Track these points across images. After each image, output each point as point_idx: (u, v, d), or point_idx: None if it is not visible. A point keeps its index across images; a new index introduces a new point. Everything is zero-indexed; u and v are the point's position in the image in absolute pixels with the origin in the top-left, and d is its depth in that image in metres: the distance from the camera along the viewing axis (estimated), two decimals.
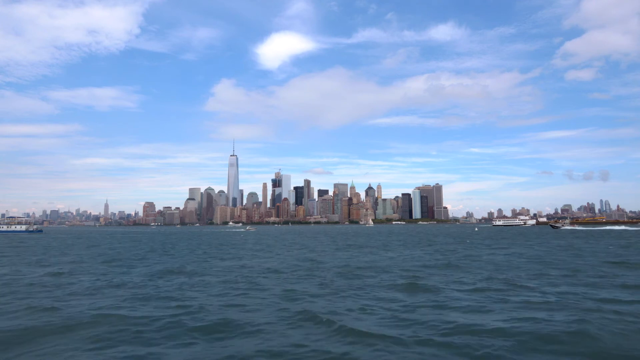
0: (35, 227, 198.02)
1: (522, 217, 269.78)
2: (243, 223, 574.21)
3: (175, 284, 24.42)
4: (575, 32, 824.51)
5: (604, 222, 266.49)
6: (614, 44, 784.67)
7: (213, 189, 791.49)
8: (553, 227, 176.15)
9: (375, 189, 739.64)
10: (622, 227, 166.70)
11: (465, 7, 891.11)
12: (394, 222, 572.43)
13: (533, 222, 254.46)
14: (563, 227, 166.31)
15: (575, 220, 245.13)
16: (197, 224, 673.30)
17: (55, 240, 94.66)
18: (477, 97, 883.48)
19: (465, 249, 54.83)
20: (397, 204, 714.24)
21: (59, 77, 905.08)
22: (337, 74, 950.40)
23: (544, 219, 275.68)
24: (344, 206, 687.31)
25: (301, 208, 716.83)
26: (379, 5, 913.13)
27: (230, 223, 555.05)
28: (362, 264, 35.11)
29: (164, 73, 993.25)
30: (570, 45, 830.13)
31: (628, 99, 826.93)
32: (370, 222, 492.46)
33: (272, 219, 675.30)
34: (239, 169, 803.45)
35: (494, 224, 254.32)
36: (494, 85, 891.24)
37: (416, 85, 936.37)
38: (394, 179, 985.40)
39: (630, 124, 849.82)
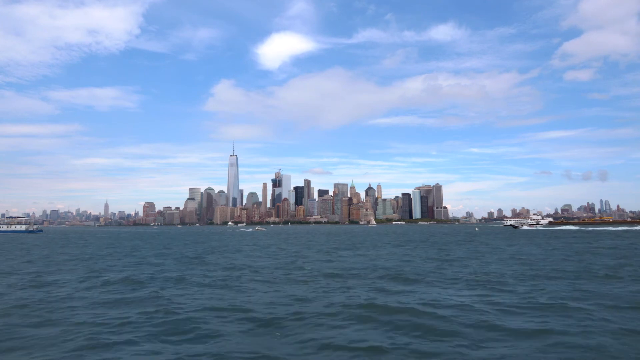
0: (35, 227, 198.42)
1: (534, 217, 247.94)
2: (247, 223, 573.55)
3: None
4: (574, 33, 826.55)
5: (611, 221, 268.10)
6: (612, 45, 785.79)
7: (213, 189, 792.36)
8: (514, 227, 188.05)
9: (375, 189, 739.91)
10: (571, 227, 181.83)
11: (465, 7, 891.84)
12: (394, 222, 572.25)
13: (546, 221, 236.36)
14: (522, 228, 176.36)
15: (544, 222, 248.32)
16: (197, 224, 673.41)
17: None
18: (476, 97, 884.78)
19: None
20: (397, 204, 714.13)
21: (59, 77, 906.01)
22: (337, 74, 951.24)
23: (551, 219, 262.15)
24: (344, 206, 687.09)
25: (301, 208, 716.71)
26: (378, 6, 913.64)
27: (230, 223, 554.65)
28: None
29: (164, 73, 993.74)
30: (569, 46, 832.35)
31: (627, 99, 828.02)
32: (373, 222, 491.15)
33: (272, 219, 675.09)
34: (239, 169, 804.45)
35: (505, 223, 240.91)
36: (493, 86, 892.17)
37: (415, 86, 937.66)
38: (394, 179, 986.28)
39: (629, 124, 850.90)
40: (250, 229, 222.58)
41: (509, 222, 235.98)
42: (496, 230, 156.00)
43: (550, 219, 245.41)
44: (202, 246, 67.83)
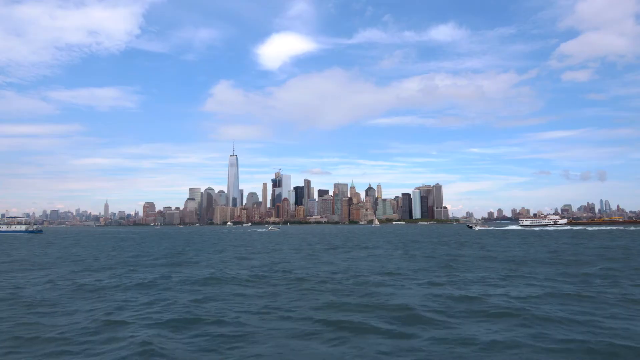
0: (35, 227, 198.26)
1: (551, 217, 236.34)
2: (252, 223, 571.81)
3: None
4: (571, 34, 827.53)
5: (621, 221, 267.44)
6: (610, 45, 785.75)
7: (213, 189, 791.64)
8: (469, 227, 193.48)
9: (375, 189, 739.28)
10: (518, 227, 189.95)
11: (465, 7, 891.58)
12: (394, 222, 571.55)
13: (564, 221, 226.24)
14: (476, 228, 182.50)
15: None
16: (197, 224, 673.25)
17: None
18: (474, 97, 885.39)
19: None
20: (397, 204, 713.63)
21: (59, 77, 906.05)
22: (335, 74, 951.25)
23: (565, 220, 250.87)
24: (344, 206, 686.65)
25: (301, 208, 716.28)
26: (375, 8, 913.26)
27: (229, 223, 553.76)
28: None
29: (164, 73, 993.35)
30: (566, 47, 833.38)
31: (626, 100, 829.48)
32: (376, 222, 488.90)
33: (272, 219, 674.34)
34: (239, 169, 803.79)
35: (521, 223, 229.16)
36: (492, 86, 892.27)
37: (415, 86, 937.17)
38: (394, 179, 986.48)
39: (628, 124, 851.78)
40: (265, 230, 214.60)
41: (525, 222, 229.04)
42: (462, 231, 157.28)
43: (565, 220, 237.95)
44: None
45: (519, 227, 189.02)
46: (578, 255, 44.18)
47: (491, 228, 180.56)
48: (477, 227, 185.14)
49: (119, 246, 70.91)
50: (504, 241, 76.08)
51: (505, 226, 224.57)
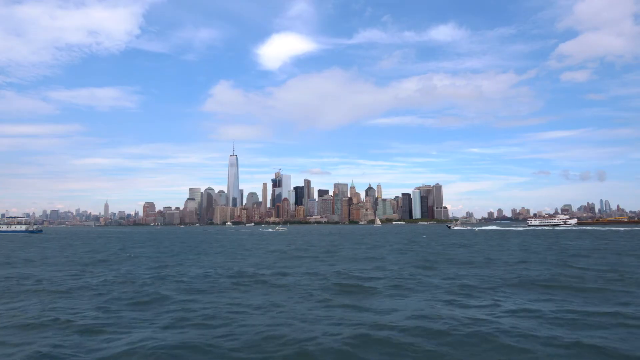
0: (35, 227, 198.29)
1: (561, 217, 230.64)
2: (257, 223, 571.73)
3: None
4: (570, 34, 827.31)
5: (626, 221, 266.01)
6: (608, 46, 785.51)
7: (213, 189, 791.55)
8: (448, 227, 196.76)
9: (375, 189, 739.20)
10: (493, 227, 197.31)
11: (465, 7, 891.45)
12: (394, 222, 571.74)
13: (574, 221, 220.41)
14: (454, 227, 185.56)
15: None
16: (197, 224, 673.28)
17: None
18: (473, 97, 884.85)
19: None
20: (397, 204, 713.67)
21: (59, 77, 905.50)
22: (335, 74, 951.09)
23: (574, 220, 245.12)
24: (344, 206, 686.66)
25: (301, 208, 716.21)
26: (375, 8, 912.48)
27: (228, 223, 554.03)
28: None
29: (164, 73, 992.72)
30: (565, 47, 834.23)
31: (625, 100, 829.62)
32: (378, 222, 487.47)
33: (272, 219, 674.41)
34: (239, 169, 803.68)
35: (529, 223, 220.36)
36: (490, 86, 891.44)
37: (414, 86, 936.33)
38: (394, 179, 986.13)
39: (628, 124, 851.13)
40: (271, 230, 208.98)
41: (534, 222, 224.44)
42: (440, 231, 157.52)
43: (574, 220, 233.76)
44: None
45: (529, 228, 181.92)
46: None
47: (467, 228, 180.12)
48: (455, 227, 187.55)
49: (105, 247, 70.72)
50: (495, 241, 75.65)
51: (484, 226, 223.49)
